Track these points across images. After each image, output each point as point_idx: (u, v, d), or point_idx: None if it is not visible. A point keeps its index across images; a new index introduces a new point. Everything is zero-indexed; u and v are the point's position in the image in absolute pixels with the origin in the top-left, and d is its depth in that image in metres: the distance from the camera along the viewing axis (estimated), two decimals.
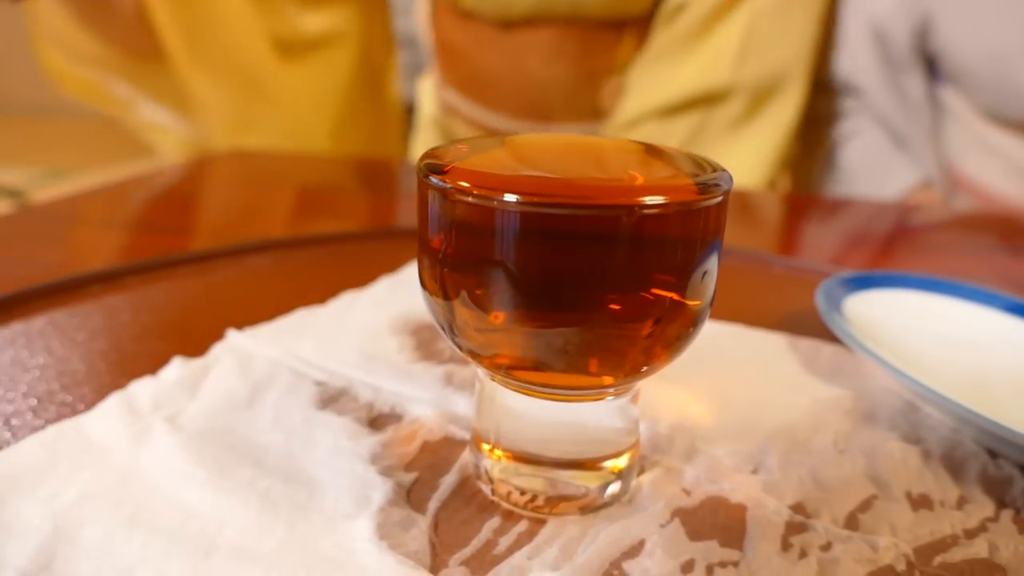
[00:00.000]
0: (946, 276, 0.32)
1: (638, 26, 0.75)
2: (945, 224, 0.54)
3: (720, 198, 0.17)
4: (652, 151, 0.19)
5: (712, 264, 0.17)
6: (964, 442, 0.22)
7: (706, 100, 0.71)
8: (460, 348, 0.18)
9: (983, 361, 0.27)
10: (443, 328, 0.18)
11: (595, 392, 0.18)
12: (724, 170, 0.18)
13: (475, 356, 0.17)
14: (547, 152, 0.19)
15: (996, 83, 0.70)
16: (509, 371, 0.17)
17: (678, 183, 0.17)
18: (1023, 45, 0.68)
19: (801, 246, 0.47)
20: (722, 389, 0.25)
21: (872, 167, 0.79)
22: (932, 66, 0.77)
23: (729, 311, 0.31)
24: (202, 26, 0.67)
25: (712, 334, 0.29)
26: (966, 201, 0.76)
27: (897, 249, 0.45)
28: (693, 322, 0.17)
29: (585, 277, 0.16)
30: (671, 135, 0.71)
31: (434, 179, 0.16)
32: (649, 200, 0.15)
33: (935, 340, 0.28)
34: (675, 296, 0.17)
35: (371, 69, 0.80)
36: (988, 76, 0.71)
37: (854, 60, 0.78)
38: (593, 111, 0.77)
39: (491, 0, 0.72)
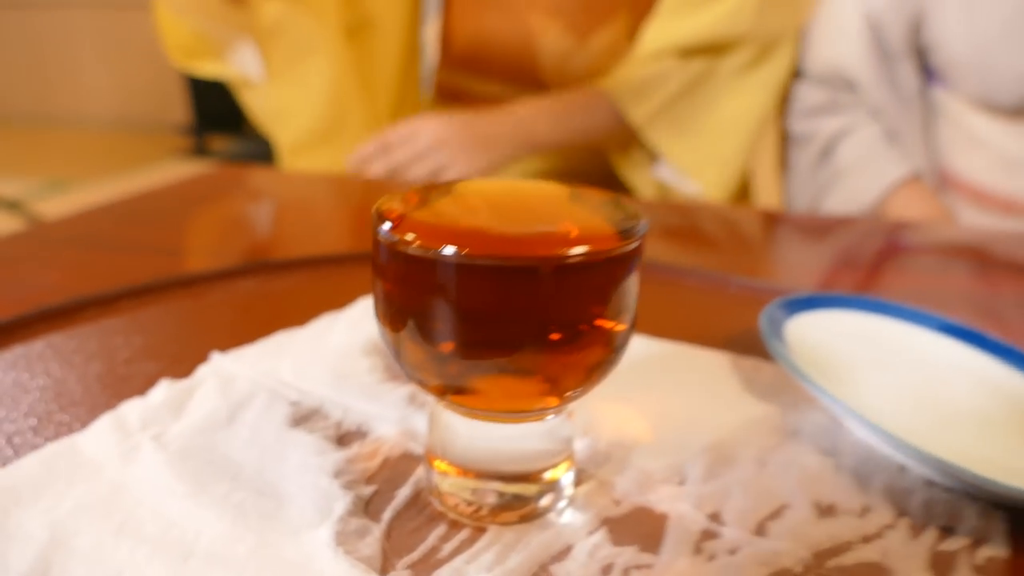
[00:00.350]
0: (911, 295, 0.35)
1: None
2: (913, 243, 0.56)
3: (637, 243, 0.19)
4: (579, 197, 0.22)
5: (630, 297, 0.20)
6: (875, 456, 0.25)
7: (716, 48, 0.76)
8: (408, 375, 0.20)
9: (908, 380, 0.29)
10: (394, 356, 0.20)
11: (530, 414, 0.20)
12: (642, 217, 0.20)
13: (421, 383, 0.20)
14: (486, 201, 0.21)
15: (983, 71, 0.74)
16: (451, 397, 0.20)
17: (600, 232, 0.19)
18: (1007, 33, 0.72)
19: (761, 265, 0.49)
20: (662, 407, 0.27)
21: (865, 161, 0.82)
22: (924, 63, 0.81)
23: (681, 331, 0.33)
24: None
25: (660, 354, 0.31)
26: (955, 197, 0.79)
27: (862, 268, 0.48)
28: (614, 349, 0.20)
29: (515, 316, 0.18)
30: (681, 75, 0.75)
31: (383, 231, 0.19)
32: (572, 251, 0.18)
33: (867, 360, 0.30)
34: (597, 326, 0.19)
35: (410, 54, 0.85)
36: (975, 64, 0.75)
37: (850, 52, 0.81)
38: (588, 75, 0.79)
39: None
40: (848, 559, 0.20)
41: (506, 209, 0.21)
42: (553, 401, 0.20)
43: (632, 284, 0.20)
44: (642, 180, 0.79)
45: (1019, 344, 0.33)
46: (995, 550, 0.21)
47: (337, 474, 0.23)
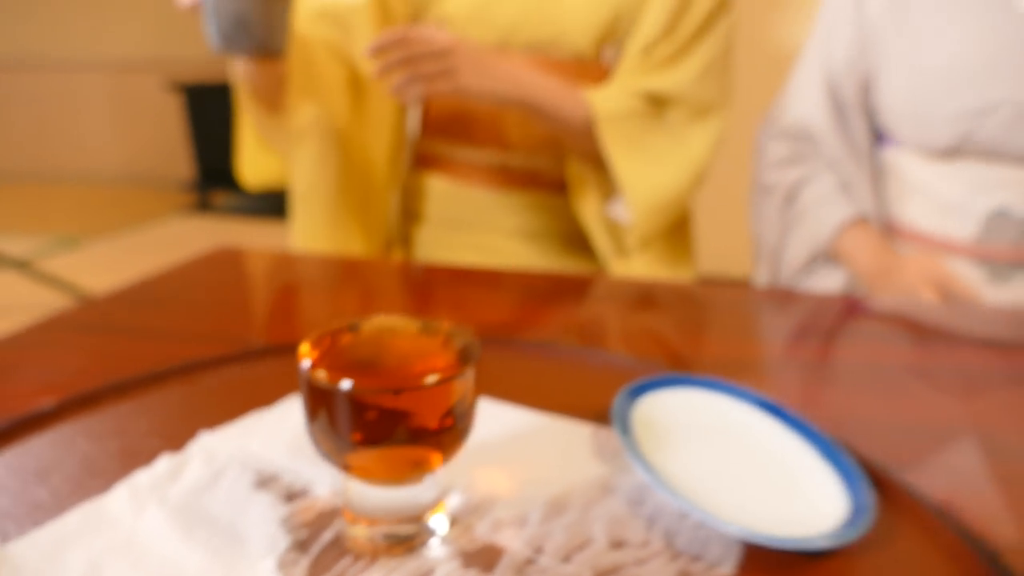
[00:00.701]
0: (814, 361, 0.45)
1: (591, 64, 0.91)
2: (812, 311, 0.66)
3: (472, 367, 0.30)
4: (432, 329, 0.32)
5: (468, 399, 0.30)
6: (663, 506, 0.35)
7: (663, 100, 0.89)
8: (322, 457, 0.31)
9: (715, 446, 0.39)
10: (314, 444, 0.31)
11: (406, 481, 0.31)
12: (476, 343, 0.30)
13: (330, 461, 0.30)
14: (373, 340, 0.32)
15: (920, 116, 0.87)
16: (350, 471, 0.30)
17: (446, 361, 0.30)
18: (942, 79, 0.86)
19: (644, 342, 0.59)
20: (522, 469, 0.37)
21: (820, 206, 0.94)
22: (873, 125, 0.95)
23: (561, 404, 0.43)
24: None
25: (535, 425, 0.41)
26: (900, 242, 0.92)
27: (752, 337, 0.58)
28: (460, 433, 0.30)
29: (390, 421, 0.28)
30: (639, 105, 0.87)
31: (303, 367, 0.29)
32: (424, 380, 0.28)
33: (689, 428, 0.41)
34: (446, 422, 0.29)
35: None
36: (914, 111, 0.89)
37: (812, 109, 0.95)
38: (550, 140, 0.91)
39: (463, 31, 0.89)
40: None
41: (385, 348, 0.32)
42: (421, 472, 0.30)
43: (469, 389, 0.30)
44: (595, 220, 0.90)
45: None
46: (724, 570, 0.31)
47: (283, 522, 0.33)
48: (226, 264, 0.75)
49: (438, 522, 0.32)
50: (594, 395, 0.46)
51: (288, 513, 0.33)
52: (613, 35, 0.90)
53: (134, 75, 3.93)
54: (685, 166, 0.89)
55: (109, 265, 2.67)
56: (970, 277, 0.86)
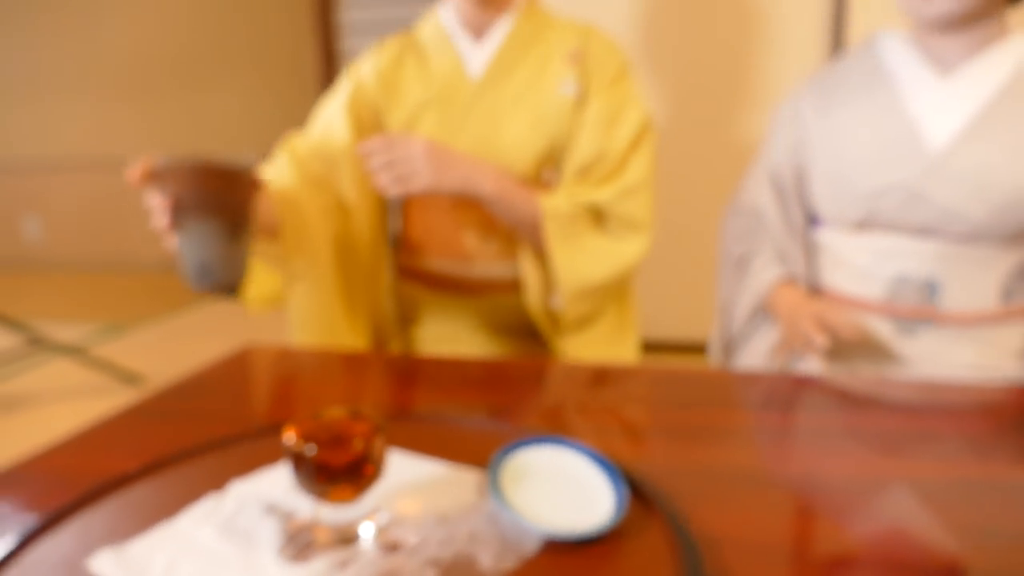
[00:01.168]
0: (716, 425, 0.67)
1: (533, 182, 1.14)
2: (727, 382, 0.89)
3: (381, 436, 0.53)
4: (359, 415, 0.56)
5: (379, 452, 0.53)
6: (503, 522, 0.57)
7: (596, 213, 1.09)
8: (303, 491, 0.54)
9: (549, 481, 0.62)
10: (298, 483, 0.54)
11: (350, 501, 0.54)
12: (384, 420, 0.54)
13: (307, 493, 0.53)
14: (328, 422, 0.56)
15: (839, 194, 1.11)
16: (319, 497, 0.53)
17: (366, 433, 0.53)
18: (857, 162, 1.07)
19: (547, 416, 0.82)
20: (427, 496, 0.60)
21: (761, 269, 1.19)
22: (807, 210, 1.20)
23: (463, 456, 0.66)
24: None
25: (439, 470, 0.64)
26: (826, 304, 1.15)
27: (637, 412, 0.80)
28: (377, 475, 0.53)
29: (337, 468, 0.52)
30: (579, 211, 1.08)
31: (286, 440, 0.53)
32: (354, 444, 0.52)
33: (535, 470, 0.63)
34: (368, 469, 0.53)
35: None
36: (833, 191, 1.11)
37: (761, 193, 1.21)
38: (506, 252, 1.15)
39: None
40: (455, 559, 0.52)
41: (334, 426, 0.55)
42: (356, 496, 0.53)
43: (380, 448, 0.53)
44: (539, 310, 1.13)
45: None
46: (529, 550, 0.53)
47: (281, 531, 0.56)
48: (246, 360, 1.00)
49: (367, 529, 0.55)
50: (485, 451, 0.69)
51: (284, 525, 0.56)
52: (550, 160, 1.14)
53: None
54: (613, 264, 1.11)
55: (153, 347, 2.96)
56: (882, 331, 1.07)
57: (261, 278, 1.13)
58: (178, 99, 4.33)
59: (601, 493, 0.60)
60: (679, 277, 2.40)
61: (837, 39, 2.15)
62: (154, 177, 0.75)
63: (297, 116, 3.26)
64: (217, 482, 0.64)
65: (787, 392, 0.85)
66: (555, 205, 1.07)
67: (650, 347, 2.42)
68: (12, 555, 0.55)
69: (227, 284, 0.77)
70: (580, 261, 1.09)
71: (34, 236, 4.74)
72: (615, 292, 1.16)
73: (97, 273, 4.55)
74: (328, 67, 3.04)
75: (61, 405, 2.36)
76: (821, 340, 1.02)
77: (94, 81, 4.40)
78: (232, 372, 0.96)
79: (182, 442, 0.73)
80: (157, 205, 0.80)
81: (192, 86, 4.30)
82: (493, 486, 0.58)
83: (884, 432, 0.72)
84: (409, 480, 0.63)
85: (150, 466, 0.67)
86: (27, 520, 0.60)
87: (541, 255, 1.11)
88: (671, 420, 0.77)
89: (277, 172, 1.13)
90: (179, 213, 0.75)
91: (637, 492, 0.60)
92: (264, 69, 4.22)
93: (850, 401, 0.82)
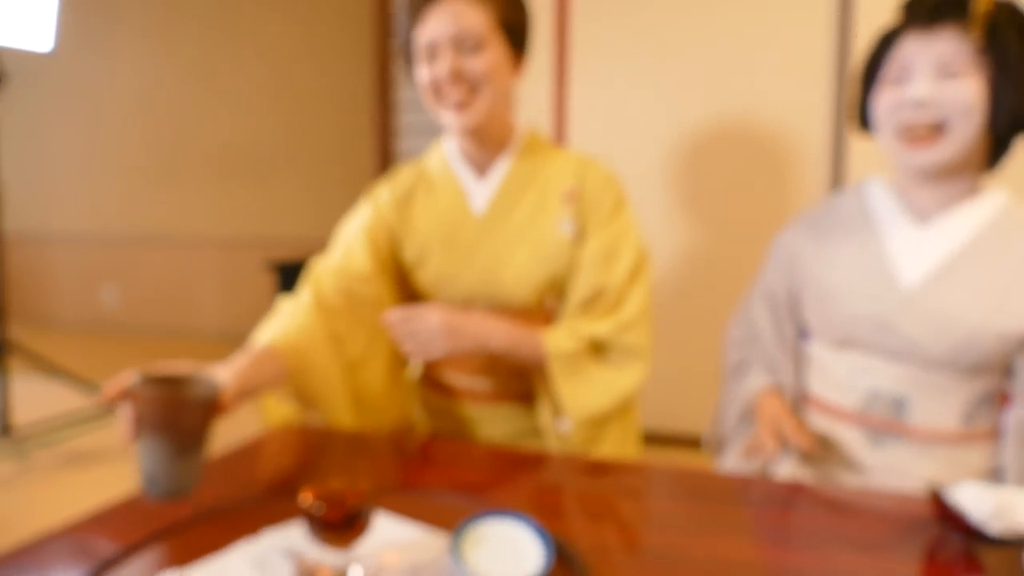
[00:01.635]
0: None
1: (536, 311, 1.23)
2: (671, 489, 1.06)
3: (370, 502, 0.74)
4: (354, 485, 0.76)
5: (367, 513, 0.74)
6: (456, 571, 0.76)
7: (598, 346, 1.17)
8: (312, 539, 0.74)
9: (499, 544, 0.80)
10: (309, 534, 0.74)
11: (346, 548, 0.74)
12: (372, 490, 0.74)
13: (316, 541, 0.74)
14: (334, 489, 0.76)
15: (823, 318, 1.21)
16: (322, 543, 0.74)
17: (358, 497, 0.74)
18: (838, 291, 1.19)
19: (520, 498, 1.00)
20: (406, 550, 0.79)
21: (752, 378, 1.34)
22: (799, 322, 1.29)
23: (439, 522, 0.85)
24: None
25: (417, 533, 0.83)
26: (811, 411, 1.24)
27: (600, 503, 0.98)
28: (365, 529, 0.74)
29: (337, 523, 0.72)
30: (581, 347, 1.15)
31: (302, 501, 0.74)
32: (349, 506, 0.72)
33: (489, 537, 0.81)
34: (359, 524, 0.73)
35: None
36: (819, 315, 1.22)
37: (757, 310, 1.38)
38: (518, 370, 1.23)
39: (438, 292, 1.26)
40: None
41: (336, 493, 0.76)
42: (350, 544, 0.73)
43: (368, 509, 0.74)
44: (549, 425, 1.20)
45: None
46: None
47: (295, 569, 0.76)
48: (280, 436, 1.22)
49: (356, 571, 0.75)
50: (455, 520, 0.88)
51: (297, 563, 0.77)
52: (551, 291, 1.25)
53: (239, 251, 4.74)
54: (616, 393, 1.18)
55: None
56: (855, 439, 1.19)
57: (276, 408, 1.20)
58: (248, 188, 4.79)
59: (535, 554, 0.78)
60: (683, 375, 2.57)
61: (836, 175, 2.37)
62: (124, 395, 0.83)
63: (354, 207, 3.60)
64: (253, 529, 0.85)
65: (725, 489, 1.02)
66: (558, 345, 1.15)
67: (652, 439, 2.57)
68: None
69: (172, 494, 0.82)
70: (584, 393, 1.16)
71: (112, 302, 5.18)
72: (619, 411, 1.23)
73: (166, 339, 4.93)
74: (385, 164, 3.38)
75: (128, 463, 2.61)
76: (771, 446, 1.18)
77: (177, 167, 4.90)
78: (268, 445, 1.18)
79: (227, 498, 0.94)
80: (123, 417, 0.82)
81: (262, 177, 4.76)
82: (454, 547, 0.77)
83: (807, 528, 0.88)
84: (392, 538, 0.82)
85: (201, 516, 0.89)
86: (104, 552, 0.81)
87: (547, 383, 1.17)
88: (618, 506, 0.95)
89: (299, 311, 1.16)
90: (140, 428, 0.81)
91: (561, 555, 0.78)
92: (327, 164, 4.65)
93: (784, 500, 0.98)
